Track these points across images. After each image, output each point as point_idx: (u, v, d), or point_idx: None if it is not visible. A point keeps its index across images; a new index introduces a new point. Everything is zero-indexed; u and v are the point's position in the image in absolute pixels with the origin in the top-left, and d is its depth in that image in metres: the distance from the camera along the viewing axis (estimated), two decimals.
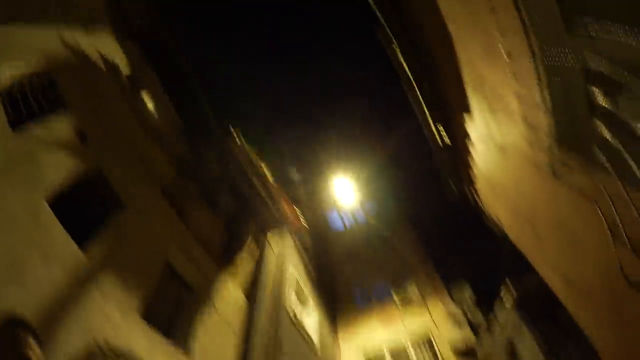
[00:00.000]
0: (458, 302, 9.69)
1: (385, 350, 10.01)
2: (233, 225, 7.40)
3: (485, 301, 7.52)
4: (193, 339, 4.69)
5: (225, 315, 5.67)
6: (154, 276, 4.38)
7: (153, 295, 4.19)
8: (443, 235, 13.78)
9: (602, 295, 2.40)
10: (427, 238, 13.16)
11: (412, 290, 10.80)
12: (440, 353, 9.39)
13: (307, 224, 12.25)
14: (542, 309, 5.50)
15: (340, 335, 10.75)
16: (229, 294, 6.18)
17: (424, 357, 9.64)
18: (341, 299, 11.99)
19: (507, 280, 6.08)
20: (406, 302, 10.71)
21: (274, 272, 7.77)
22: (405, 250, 12.71)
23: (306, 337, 7.92)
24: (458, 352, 9.04)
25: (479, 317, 8.76)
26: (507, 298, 6.15)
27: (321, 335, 9.02)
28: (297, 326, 7.65)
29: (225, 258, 6.59)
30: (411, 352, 9.86)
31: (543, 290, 5.45)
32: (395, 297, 10.85)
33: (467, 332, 8.98)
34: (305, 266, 10.48)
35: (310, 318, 9.10)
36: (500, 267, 6.43)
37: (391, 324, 10.45)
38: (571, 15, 1.78)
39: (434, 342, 9.68)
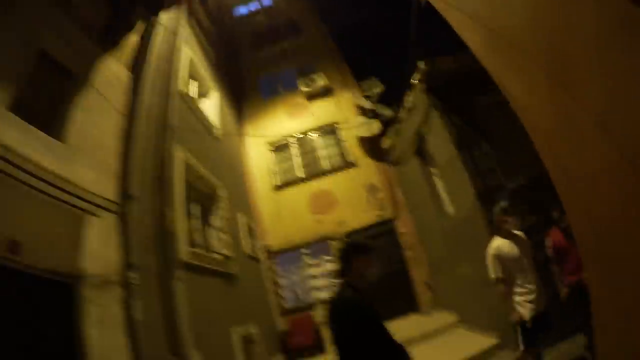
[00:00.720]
0: (367, 96, 9.63)
1: (290, 140, 10.06)
2: (119, 4, 5.99)
3: (397, 97, 7.16)
4: (71, 125, 4.15)
5: (106, 95, 4.85)
6: (26, 66, 3.92)
7: (26, 86, 3.83)
8: (357, 30, 12.74)
9: None
10: (340, 29, 12.12)
11: (320, 81, 10.36)
12: (345, 145, 9.62)
13: (207, 6, 10.38)
14: (459, 99, 5.29)
15: (246, 125, 10.48)
16: (111, 73, 5.22)
17: (329, 148, 9.85)
18: (247, 89, 11.28)
19: (421, 63, 5.57)
20: (314, 93, 10.41)
21: (164, 48, 6.53)
22: (314, 39, 11.77)
23: (205, 122, 7.40)
24: (363, 144, 9.30)
25: (387, 110, 8.77)
26: (419, 84, 5.79)
27: (224, 124, 8.58)
28: (194, 110, 6.98)
29: (108, 39, 5.53)
30: (316, 142, 9.99)
31: (461, 76, 5.12)
32: (302, 88, 10.40)
33: (375, 125, 9.06)
34: (206, 52, 9.17)
35: (211, 104, 8.43)
36: (414, 49, 5.73)
37: (298, 115, 10.32)
38: None
39: (339, 134, 9.83)
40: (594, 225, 1.93)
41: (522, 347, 3.45)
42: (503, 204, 3.74)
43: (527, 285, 3.43)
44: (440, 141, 5.55)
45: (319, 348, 7.15)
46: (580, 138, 1.87)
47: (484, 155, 5.03)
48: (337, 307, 2.23)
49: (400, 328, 6.77)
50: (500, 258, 3.54)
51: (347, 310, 2.16)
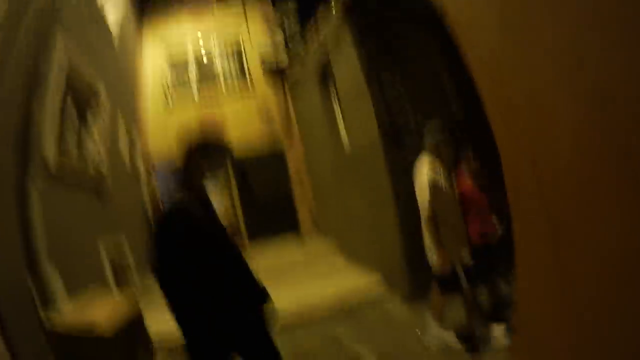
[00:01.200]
0: (279, 13, 9.02)
1: (189, 55, 9.22)
2: None
3: (310, 17, 6.53)
4: None
5: None
6: None
7: None
8: None
9: None
10: None
11: None
12: (247, 65, 9.15)
13: None
14: (376, 25, 4.83)
15: (146, 32, 9.18)
16: None
17: (230, 67, 9.29)
18: None
19: None
20: (222, 4, 9.49)
21: None
22: None
23: (100, 20, 6.28)
24: (265, 68, 8.88)
25: (296, 30, 8.38)
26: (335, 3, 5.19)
27: (122, 27, 7.39)
28: (89, 3, 5.84)
29: None
30: (217, 61, 9.34)
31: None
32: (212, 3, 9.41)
33: (280, 49, 8.64)
34: None
35: (112, 4, 7.11)
36: None
37: (202, 28, 9.37)
38: None
39: (243, 55, 9.26)
40: (539, 176, 1.65)
41: (438, 291, 3.23)
42: (436, 134, 3.24)
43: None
44: (348, 68, 5.14)
45: None
46: (535, 62, 1.50)
47: (395, 89, 4.76)
48: (160, 220, 1.76)
49: (269, 247, 7.51)
50: (435, 189, 3.05)
51: (171, 219, 1.69)
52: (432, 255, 3.17)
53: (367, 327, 4.05)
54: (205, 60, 9.31)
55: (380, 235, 5.05)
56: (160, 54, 9.08)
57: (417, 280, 4.24)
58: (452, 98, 5.06)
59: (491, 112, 1.94)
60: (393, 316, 4.31)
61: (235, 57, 9.34)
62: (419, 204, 3.25)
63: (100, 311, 3.16)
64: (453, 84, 5.04)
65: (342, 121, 6.10)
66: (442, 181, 3.17)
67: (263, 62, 8.82)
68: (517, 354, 2.23)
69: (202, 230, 1.67)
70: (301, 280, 5.60)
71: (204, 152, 1.90)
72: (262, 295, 1.93)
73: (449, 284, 3.15)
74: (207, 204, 1.86)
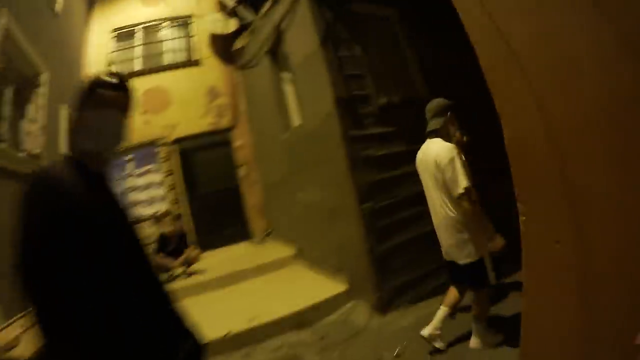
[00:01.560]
0: None
1: (136, 28, 8.49)
2: None
3: None
4: None
5: None
6: None
7: None
8: None
9: None
10: None
11: None
12: (194, 40, 8.44)
13: None
14: None
15: (94, 9, 8.43)
16: None
17: (178, 41, 8.54)
18: None
19: None
20: None
21: None
22: None
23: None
24: (214, 42, 8.19)
25: (249, 13, 7.30)
26: None
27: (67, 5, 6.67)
28: None
29: None
30: (164, 33, 8.59)
31: None
32: None
33: (231, 23, 7.82)
34: None
35: None
36: None
37: (151, 1, 8.61)
38: None
39: (191, 28, 8.58)
40: (554, 138, 1.34)
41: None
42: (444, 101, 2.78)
43: None
44: (302, 36, 4.48)
45: None
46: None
47: (353, 59, 4.22)
48: (26, 194, 1.05)
49: (227, 257, 6.33)
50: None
51: (34, 197, 1.03)
52: (466, 244, 2.59)
53: (331, 340, 3.76)
54: (152, 33, 8.55)
55: (340, 234, 4.37)
56: (108, 28, 8.29)
57: (385, 287, 3.81)
58: (414, 73, 4.64)
59: (487, 62, 1.58)
60: (360, 328, 3.78)
61: (184, 31, 8.60)
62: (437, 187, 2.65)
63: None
64: (415, 58, 4.69)
65: (292, 96, 5.40)
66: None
67: (212, 37, 8.24)
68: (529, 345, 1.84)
69: (77, 218, 1.02)
70: (254, 290, 4.91)
71: (98, 100, 1.16)
72: (184, 341, 1.26)
73: (476, 276, 2.65)
74: (99, 181, 1.19)
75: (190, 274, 5.48)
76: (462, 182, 2.44)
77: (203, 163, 7.73)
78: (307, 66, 4.47)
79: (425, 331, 2.89)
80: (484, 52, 1.58)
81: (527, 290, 1.62)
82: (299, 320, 3.86)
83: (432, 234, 4.12)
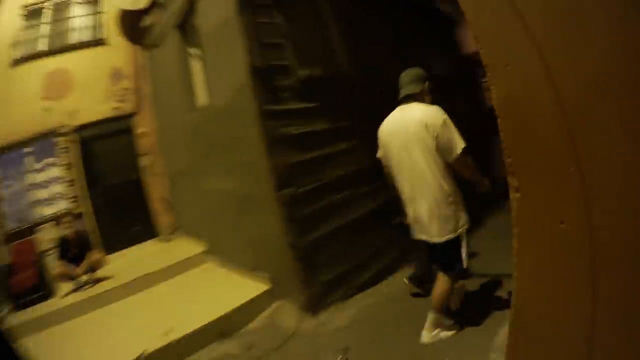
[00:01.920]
0: None
1: (45, 5, 7.56)
2: None
3: None
4: None
5: None
6: None
7: None
8: None
9: None
10: None
11: None
12: (102, 17, 7.59)
13: None
14: None
15: None
16: None
17: (85, 18, 7.69)
18: None
19: None
20: None
21: None
22: None
23: None
24: (122, 20, 7.38)
25: None
26: None
27: None
28: None
29: None
30: (73, 10, 7.72)
31: None
32: None
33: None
34: None
35: None
36: None
37: None
38: None
39: (101, 3, 7.78)
40: (561, 98, 1.13)
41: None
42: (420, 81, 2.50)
43: None
44: (217, 2, 3.89)
45: (45, 288, 5.03)
46: None
47: (272, 26, 3.67)
48: None
49: (134, 259, 5.47)
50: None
51: None
52: (451, 218, 2.36)
53: (260, 350, 3.25)
54: (61, 10, 7.66)
55: (257, 226, 3.79)
56: (19, 6, 7.25)
57: (314, 284, 3.36)
58: (339, 47, 4.16)
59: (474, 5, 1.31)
60: (289, 332, 3.30)
61: (93, 8, 7.76)
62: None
63: None
64: (341, 32, 4.21)
65: (200, 72, 4.75)
66: None
67: (120, 14, 7.37)
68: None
69: None
70: (165, 296, 4.26)
71: None
72: None
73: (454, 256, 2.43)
74: None
75: (96, 282, 4.77)
76: (461, 143, 2.25)
77: (105, 153, 6.85)
78: (220, 34, 3.84)
79: (424, 339, 2.59)
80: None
81: (520, 280, 1.35)
82: (220, 328, 3.30)
83: (362, 220, 3.84)
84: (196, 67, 4.84)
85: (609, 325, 1.12)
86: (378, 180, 3.98)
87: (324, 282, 3.41)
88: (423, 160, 2.31)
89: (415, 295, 3.34)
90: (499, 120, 1.26)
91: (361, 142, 3.85)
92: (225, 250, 4.60)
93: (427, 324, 2.56)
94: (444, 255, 2.44)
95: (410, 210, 2.48)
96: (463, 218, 2.39)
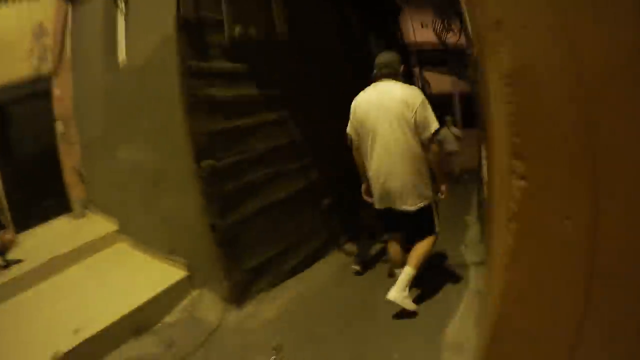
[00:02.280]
0: None
1: None
2: None
3: None
4: None
5: None
6: None
7: None
8: None
9: None
10: None
11: None
12: None
13: None
14: None
15: None
16: None
17: None
18: None
19: None
20: None
21: None
22: None
23: None
24: None
25: None
26: None
27: None
28: None
29: None
30: None
31: None
32: None
33: None
34: None
35: None
36: None
37: None
38: None
39: None
40: (575, 60, 1.04)
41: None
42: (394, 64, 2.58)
43: None
44: None
45: None
46: None
47: None
48: None
49: (46, 238, 4.67)
50: None
51: None
52: (425, 188, 2.53)
53: (182, 348, 2.80)
54: None
55: (172, 204, 3.29)
56: None
57: (237, 272, 2.95)
58: (277, 10, 3.57)
59: None
60: (212, 326, 2.87)
61: None
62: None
63: None
64: None
65: (124, 26, 3.98)
66: None
67: None
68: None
69: None
70: (76, 283, 3.69)
71: None
72: None
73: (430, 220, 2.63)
74: None
75: (7, 265, 3.94)
76: (435, 124, 2.42)
77: (21, 119, 5.78)
78: None
79: (393, 294, 2.48)
80: None
81: (512, 277, 1.22)
82: (136, 322, 2.79)
83: (290, 200, 3.51)
84: (122, 20, 3.99)
85: (594, 336, 1.05)
86: (308, 156, 3.73)
87: (249, 269, 3.03)
88: (402, 136, 2.40)
89: (357, 273, 3.33)
90: (507, 90, 1.06)
91: (292, 114, 3.51)
92: (138, 229, 3.92)
93: (400, 282, 2.48)
94: (419, 222, 2.56)
95: (379, 186, 2.54)
96: (432, 188, 2.57)
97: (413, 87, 2.51)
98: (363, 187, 2.76)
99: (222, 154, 2.87)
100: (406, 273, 2.48)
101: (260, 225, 3.16)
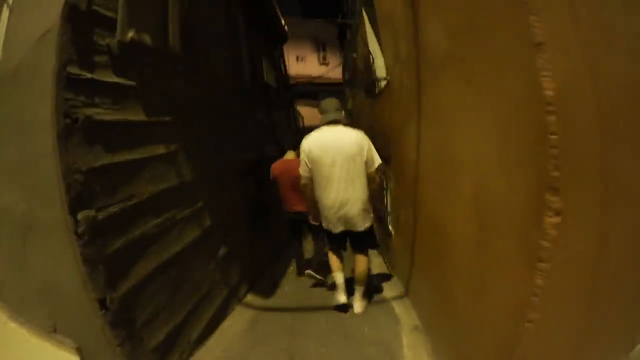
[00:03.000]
0: None
1: None
2: None
3: None
4: None
5: None
6: None
7: None
8: None
9: None
10: None
11: None
12: None
13: None
14: None
15: None
16: None
17: None
18: None
19: None
20: None
21: None
22: None
23: None
24: None
25: None
26: None
27: None
28: None
29: None
30: None
31: None
32: None
33: None
34: None
35: None
36: None
37: None
38: None
39: None
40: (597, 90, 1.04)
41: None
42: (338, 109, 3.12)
43: None
44: None
45: None
46: None
47: None
48: None
49: None
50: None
51: None
52: (369, 212, 3.10)
53: None
54: None
55: (47, 266, 2.23)
56: None
57: (135, 355, 2.12)
58: (173, 16, 2.87)
59: None
60: None
61: None
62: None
63: None
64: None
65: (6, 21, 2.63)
66: None
67: None
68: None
69: None
70: None
71: None
72: None
73: (373, 236, 3.33)
74: None
75: None
76: (378, 160, 2.95)
77: None
78: None
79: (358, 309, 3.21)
80: None
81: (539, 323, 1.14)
82: None
83: (186, 253, 2.85)
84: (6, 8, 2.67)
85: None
86: (201, 198, 3.14)
87: (154, 348, 2.27)
88: (356, 171, 2.89)
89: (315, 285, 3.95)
90: (550, 119, 0.99)
91: (182, 147, 2.94)
92: (12, 295, 2.45)
93: (357, 297, 3.24)
94: (365, 239, 3.17)
95: (334, 212, 2.99)
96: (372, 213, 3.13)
97: (360, 131, 2.98)
98: (311, 214, 3.32)
99: (104, 200, 2.11)
100: (358, 291, 3.24)
101: (158, 289, 2.45)
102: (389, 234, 4.18)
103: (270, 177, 3.97)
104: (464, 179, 1.78)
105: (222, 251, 3.37)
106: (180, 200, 2.84)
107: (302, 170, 3.00)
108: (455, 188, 1.91)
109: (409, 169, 3.07)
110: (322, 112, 3.04)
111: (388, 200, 4.24)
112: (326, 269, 3.59)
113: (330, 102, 3.05)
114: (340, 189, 2.90)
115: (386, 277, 4.03)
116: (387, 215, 4.31)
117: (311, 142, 2.93)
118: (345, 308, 3.20)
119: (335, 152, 2.84)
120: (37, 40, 2.02)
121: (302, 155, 2.96)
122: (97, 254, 2.03)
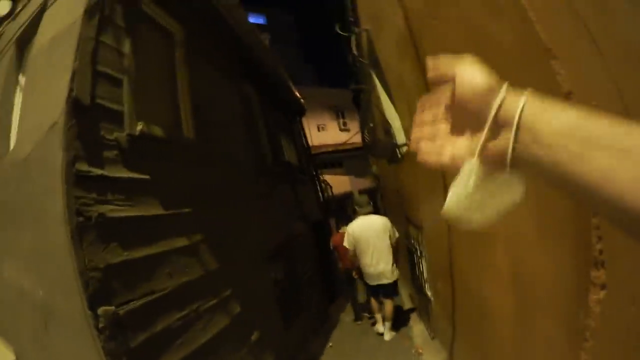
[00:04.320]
0: None
1: None
2: None
3: None
4: None
5: None
6: None
7: None
8: None
9: None
10: None
11: None
12: None
13: None
14: None
15: None
16: None
17: None
18: None
19: None
20: None
21: None
22: None
23: None
24: None
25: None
26: None
27: None
28: None
29: None
30: None
31: None
32: None
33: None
34: None
35: None
36: None
37: None
38: None
39: None
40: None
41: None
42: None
43: None
44: (66, 6, 2.62)
45: None
46: None
47: (115, 53, 2.62)
48: None
49: None
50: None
51: None
52: (395, 268, 4.45)
53: None
54: None
55: (73, 358, 2.24)
56: None
57: None
58: (184, 104, 2.89)
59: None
60: None
61: None
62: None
63: None
64: (189, 89, 3.36)
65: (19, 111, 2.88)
66: None
67: None
68: None
69: None
70: None
71: None
72: None
73: (397, 287, 4.75)
74: None
75: None
76: (397, 233, 4.52)
77: None
78: (54, 48, 2.46)
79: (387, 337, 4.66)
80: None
81: None
82: None
83: (212, 344, 2.71)
84: (20, 97, 3.00)
85: None
86: (227, 286, 3.05)
87: None
88: (385, 244, 4.36)
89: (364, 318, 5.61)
90: None
91: (205, 236, 2.92)
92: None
93: (386, 330, 4.65)
94: (392, 289, 4.51)
95: (372, 270, 4.40)
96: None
97: (385, 217, 4.63)
98: (355, 271, 4.82)
99: (125, 296, 2.09)
100: (386, 325, 4.65)
101: None
102: (428, 299, 3.98)
103: (331, 246, 5.85)
104: (498, 249, 1.65)
105: (254, 336, 3.20)
106: (204, 290, 2.78)
107: (348, 245, 4.45)
108: (490, 258, 1.76)
109: (441, 235, 2.91)
110: (358, 206, 4.61)
111: (424, 267, 4.19)
112: (368, 310, 5.25)
113: (363, 199, 4.71)
114: (374, 255, 4.33)
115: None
116: (425, 282, 4.17)
117: (354, 226, 4.45)
118: (383, 335, 4.65)
119: (370, 231, 4.34)
120: (46, 131, 2.11)
121: (347, 236, 4.46)
122: (120, 348, 1.97)
